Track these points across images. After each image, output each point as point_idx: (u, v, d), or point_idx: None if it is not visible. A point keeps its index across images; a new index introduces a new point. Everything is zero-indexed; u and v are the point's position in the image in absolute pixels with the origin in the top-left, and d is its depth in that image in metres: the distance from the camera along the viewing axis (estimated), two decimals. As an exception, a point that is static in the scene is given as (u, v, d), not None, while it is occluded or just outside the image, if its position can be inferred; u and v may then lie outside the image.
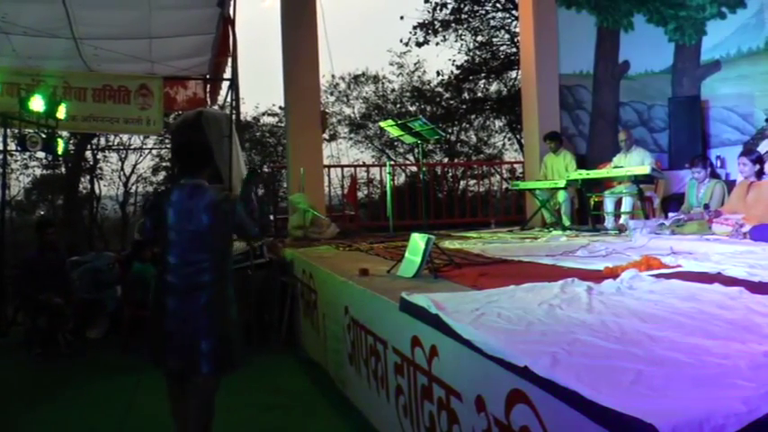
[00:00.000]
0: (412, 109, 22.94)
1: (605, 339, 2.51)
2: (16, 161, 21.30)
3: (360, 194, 13.49)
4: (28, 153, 18.80)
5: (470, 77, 22.17)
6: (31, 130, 8.64)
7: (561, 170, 9.47)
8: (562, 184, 8.88)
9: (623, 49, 11.16)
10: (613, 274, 4.06)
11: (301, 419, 4.93)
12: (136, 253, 7.96)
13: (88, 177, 23.53)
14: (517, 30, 17.20)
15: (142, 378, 6.20)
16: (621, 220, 8.42)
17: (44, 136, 8.67)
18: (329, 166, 12.38)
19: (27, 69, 10.54)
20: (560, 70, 10.86)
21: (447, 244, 6.69)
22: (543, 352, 2.33)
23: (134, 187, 24.61)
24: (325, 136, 13.47)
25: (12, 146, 9.04)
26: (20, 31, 9.79)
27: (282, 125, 21.72)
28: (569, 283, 3.77)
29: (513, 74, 21.30)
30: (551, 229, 8.87)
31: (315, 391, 5.55)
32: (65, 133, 12.25)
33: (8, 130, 8.76)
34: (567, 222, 9.11)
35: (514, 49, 20.20)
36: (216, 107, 12.63)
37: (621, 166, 8.65)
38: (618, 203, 8.84)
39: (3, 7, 9.32)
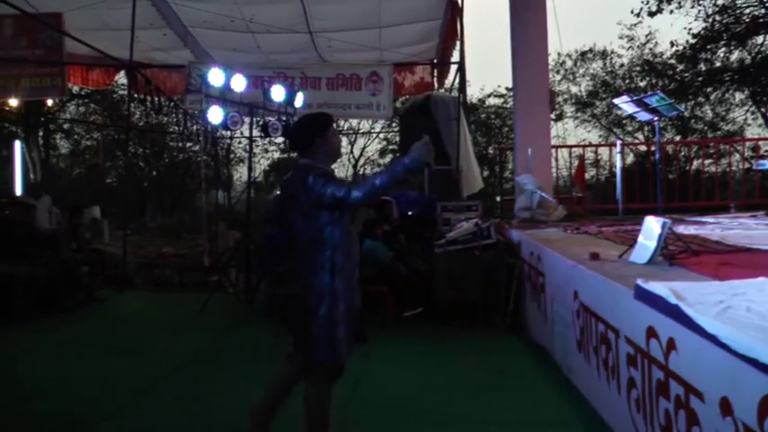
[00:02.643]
0: (641, 84, 21.79)
1: None
2: (257, 146, 23.25)
3: (586, 176, 13.08)
4: (268, 138, 20.45)
5: (708, 46, 20.40)
6: (272, 119, 9.34)
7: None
8: (820, 163, 7.99)
9: None
10: None
11: (525, 402, 4.91)
12: (367, 231, 8.31)
13: (320, 160, 25.06)
14: (767, -11, 15.63)
15: (370, 351, 6.52)
16: None
17: (283, 123, 9.33)
18: (556, 147, 12.11)
19: (269, 63, 11.45)
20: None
21: (681, 229, 6.28)
22: (808, 355, 2.11)
23: (362, 169, 25.87)
24: (552, 116, 13.19)
25: (255, 132, 9.80)
26: (263, 30, 10.68)
27: (508, 106, 21.69)
28: (833, 277, 3.38)
29: (760, 39, 19.30)
30: (805, 214, 8.01)
31: (539, 374, 5.50)
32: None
33: (253, 119, 9.52)
34: (824, 207, 8.19)
35: (763, 10, 18.29)
36: (443, 90, 12.87)
37: None
38: None
39: (251, 10, 10.22)
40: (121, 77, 15.87)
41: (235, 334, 7.64)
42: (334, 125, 3.71)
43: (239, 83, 8.82)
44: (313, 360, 3.56)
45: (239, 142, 22.69)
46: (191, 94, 11.22)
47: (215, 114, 8.81)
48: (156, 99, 11.33)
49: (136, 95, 12.25)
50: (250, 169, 11.38)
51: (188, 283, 10.77)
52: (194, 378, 5.84)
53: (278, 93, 9.09)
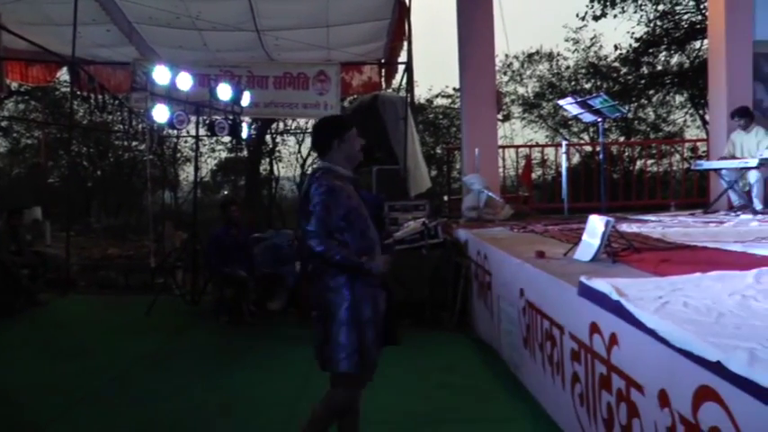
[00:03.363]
0: (587, 86, 22.22)
1: (813, 337, 2.30)
2: (205, 145, 22.96)
3: (533, 175, 13.28)
4: (215, 138, 20.20)
5: (650, 50, 20.99)
6: (218, 117, 9.22)
7: (752, 148, 8.74)
8: (753, 163, 8.23)
9: (837, 6, 9.93)
10: (818, 263, 3.72)
11: (475, 400, 4.96)
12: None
13: (268, 160, 24.90)
14: (704, -5, 16.09)
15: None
16: (825, 204, 7.68)
17: (230, 122, 9.23)
18: (503, 147, 12.25)
19: (216, 61, 11.32)
20: (755, 36, 9.88)
21: (624, 227, 6.43)
22: (738, 347, 2.18)
23: (310, 169, 25.69)
24: (499, 116, 13.33)
25: (202, 131, 9.67)
26: (209, 27, 10.55)
27: (455, 107, 21.85)
28: (765, 272, 3.50)
29: (698, 44, 19.90)
30: (739, 212, 8.26)
31: (487, 372, 5.56)
32: (248, 119, 12.99)
33: (199, 118, 9.38)
34: (758, 206, 8.44)
35: (700, 17, 18.88)
36: (390, 90, 12.89)
37: (827, 143, 7.86)
38: (821, 185, 8.07)
39: (197, 6, 10.09)
40: (63, 74, 15.49)
41: (181, 336, 7.53)
42: (354, 128, 3.63)
43: (185, 81, 8.68)
44: (337, 371, 3.50)
45: (185, 141, 22.36)
46: (136, 92, 11.01)
47: (161, 113, 8.65)
48: (101, 97, 11.07)
49: (79, 93, 11.97)
50: (196, 169, 11.28)
51: (134, 284, 10.57)
52: (140, 381, 5.73)
53: (224, 91, 8.97)
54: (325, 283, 3.44)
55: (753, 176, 8.56)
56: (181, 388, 5.42)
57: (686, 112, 22.52)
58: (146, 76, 8.80)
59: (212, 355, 6.65)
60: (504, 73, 23.45)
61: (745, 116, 8.92)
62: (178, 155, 24.02)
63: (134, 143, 22.17)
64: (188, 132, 14.10)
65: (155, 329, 7.72)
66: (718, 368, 2.14)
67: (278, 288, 8.71)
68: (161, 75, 8.49)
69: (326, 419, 3.61)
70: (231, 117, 9.27)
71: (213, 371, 5.99)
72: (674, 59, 21.30)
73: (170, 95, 8.75)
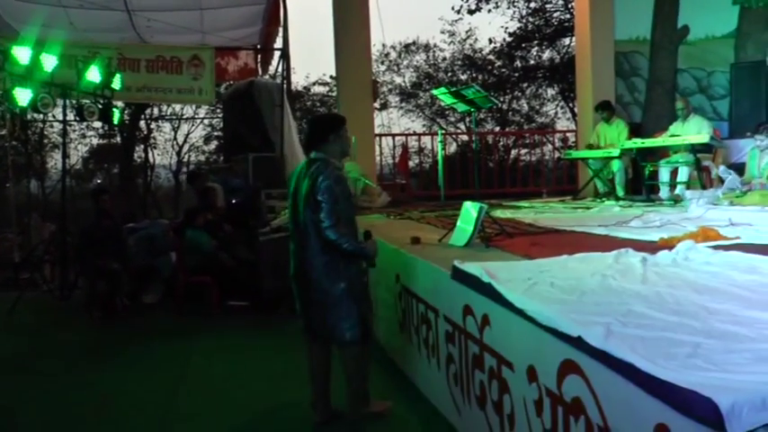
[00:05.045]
0: (463, 77, 22.75)
1: (660, 311, 2.47)
2: (74, 131, 21.87)
3: (411, 164, 13.47)
4: (85, 123, 19.25)
5: (523, 45, 21.82)
6: (88, 101, 8.81)
7: (614, 139, 9.26)
8: (616, 153, 8.70)
9: (683, 13, 10.70)
10: (668, 245, 3.97)
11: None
12: (189, 220, 8.09)
13: (142, 147, 24.01)
14: (572, -5, 16.86)
15: (196, 342, 6.39)
16: (677, 191, 8.21)
17: (100, 106, 8.83)
18: (380, 135, 12.36)
19: (84, 42, 10.74)
20: (616, 36, 10.54)
21: (498, 213, 6.64)
22: (597, 323, 2.31)
23: (186, 156, 25.06)
24: (376, 105, 13.41)
25: (70, 116, 9.19)
26: (76, 5, 9.98)
27: (333, 95, 21.85)
28: (623, 253, 3.70)
29: (567, 41, 20.90)
30: (604, 198, 8.70)
31: (365, 357, 5.59)
32: (120, 103, 12.45)
33: (67, 101, 8.90)
34: (620, 192, 8.93)
35: (568, 15, 19.81)
36: (267, 77, 12.71)
37: (678, 135, 8.41)
38: (674, 173, 8.61)
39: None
40: None
41: (49, 335, 7.11)
42: (346, 124, 4.10)
43: (49, 61, 8.21)
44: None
45: (52, 126, 21.19)
46: (-8, 73, 10.28)
47: (22, 95, 8.11)
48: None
49: None
50: (65, 156, 10.67)
51: (-5, 281, 9.96)
52: (3, 387, 5.36)
53: (93, 74, 8.56)
54: (322, 267, 3.86)
55: (615, 165, 9.06)
56: (49, 391, 5.13)
57: (557, 105, 23.57)
58: (3, 56, 8.21)
59: (84, 353, 6.34)
60: (382, 62, 23.68)
61: (607, 109, 9.48)
62: (45, 141, 22.75)
63: (-6, 128, 20.80)
64: (55, 117, 13.38)
65: (19, 329, 7.30)
66: (579, 343, 2.26)
67: (153, 280, 8.46)
68: (21, 54, 7.96)
69: (357, 380, 4.11)
70: (102, 101, 8.87)
71: (85, 370, 5.71)
72: (546, 54, 22.27)
73: (32, 77, 8.25)
